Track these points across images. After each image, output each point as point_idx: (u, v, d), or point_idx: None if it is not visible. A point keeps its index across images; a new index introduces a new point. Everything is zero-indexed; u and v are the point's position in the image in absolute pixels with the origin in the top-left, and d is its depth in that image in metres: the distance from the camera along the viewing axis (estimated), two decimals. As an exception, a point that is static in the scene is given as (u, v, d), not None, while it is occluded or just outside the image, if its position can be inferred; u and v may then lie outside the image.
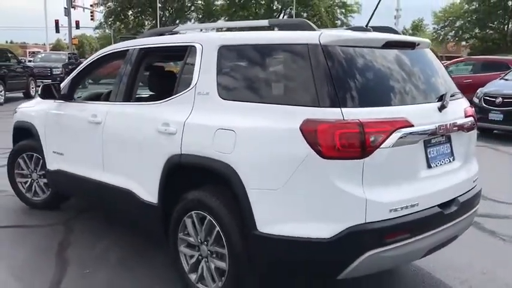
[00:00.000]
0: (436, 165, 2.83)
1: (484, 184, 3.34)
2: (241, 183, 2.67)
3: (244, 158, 2.69)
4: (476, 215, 3.24)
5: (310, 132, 2.47)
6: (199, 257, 3.04)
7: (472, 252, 3.93)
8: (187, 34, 3.69)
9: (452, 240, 3.07)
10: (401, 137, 2.54)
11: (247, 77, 2.96)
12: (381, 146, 2.48)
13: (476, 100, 10.00)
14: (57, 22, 41.48)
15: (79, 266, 3.64)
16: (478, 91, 10.27)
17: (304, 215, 2.54)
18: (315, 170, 2.47)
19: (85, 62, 4.43)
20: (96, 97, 4.55)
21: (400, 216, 2.55)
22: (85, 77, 4.53)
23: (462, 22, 51.87)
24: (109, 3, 48.07)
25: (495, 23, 47.39)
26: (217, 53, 3.06)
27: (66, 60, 23.53)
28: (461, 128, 3.02)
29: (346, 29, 3.24)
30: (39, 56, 24.98)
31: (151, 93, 4.41)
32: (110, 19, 48.14)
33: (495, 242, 4.22)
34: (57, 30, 42.69)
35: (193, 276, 3.09)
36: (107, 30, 53.39)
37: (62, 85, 4.41)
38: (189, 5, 51.18)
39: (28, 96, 16.05)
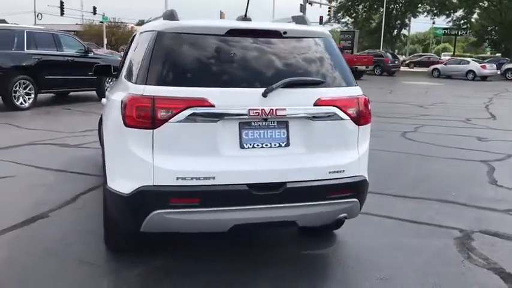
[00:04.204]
0: (253, 147, 2.96)
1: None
2: (104, 145, 3.33)
3: (105, 123, 3.35)
4: (337, 208, 3.15)
5: (123, 104, 2.97)
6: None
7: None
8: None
9: (288, 224, 3.12)
10: (193, 114, 2.82)
11: (133, 58, 3.54)
12: (170, 120, 2.82)
13: None
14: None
15: (79, 204, 4.77)
16: None
17: (118, 173, 3.07)
18: (122, 137, 2.98)
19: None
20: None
21: (188, 185, 2.85)
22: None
23: None
24: (341, -1, 49.72)
25: None
26: (136, 39, 3.73)
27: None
28: (303, 116, 3.03)
29: (242, 19, 3.50)
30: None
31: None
32: (339, 14, 49.76)
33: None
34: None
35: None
36: (333, 25, 55.44)
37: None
38: (420, -4, 48.87)
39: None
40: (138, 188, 2.89)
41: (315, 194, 3.05)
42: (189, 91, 2.88)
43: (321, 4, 52.09)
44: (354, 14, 50.39)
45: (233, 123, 2.93)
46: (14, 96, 10.90)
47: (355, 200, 3.20)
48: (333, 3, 50.29)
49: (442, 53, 77.72)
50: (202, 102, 2.85)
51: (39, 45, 11.51)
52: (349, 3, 48.76)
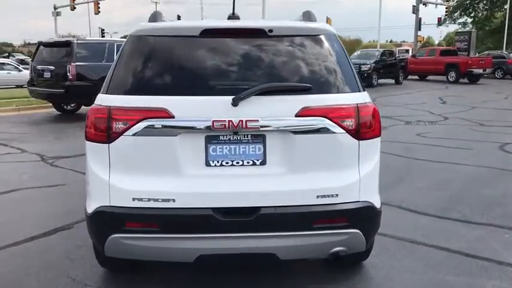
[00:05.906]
0: (222, 165, 2.53)
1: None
2: None
3: None
4: (330, 239, 2.58)
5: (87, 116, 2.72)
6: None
7: None
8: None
9: (266, 257, 2.61)
10: (149, 127, 2.48)
11: None
12: (125, 133, 2.51)
13: None
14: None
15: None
16: None
17: (87, 192, 2.79)
18: (86, 152, 2.73)
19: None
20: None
21: (145, 208, 2.51)
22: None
23: None
24: (458, -3, 46.10)
25: None
26: None
27: (378, 57, 24.48)
28: (282, 129, 2.52)
29: (229, 17, 3.09)
30: (356, 53, 26.89)
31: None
32: (456, 13, 46.07)
33: None
34: (419, 28, 43.94)
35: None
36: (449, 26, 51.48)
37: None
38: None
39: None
40: (97, 208, 2.62)
41: (297, 222, 2.53)
42: (147, 100, 2.54)
43: (436, 4, 48.82)
44: (473, 13, 46.32)
45: (197, 137, 2.53)
46: (103, 105, 11.46)
47: (356, 230, 2.60)
48: (451, 3, 46.85)
49: None
50: (160, 113, 2.50)
51: (129, 57, 11.99)
52: (468, 1, 44.95)
